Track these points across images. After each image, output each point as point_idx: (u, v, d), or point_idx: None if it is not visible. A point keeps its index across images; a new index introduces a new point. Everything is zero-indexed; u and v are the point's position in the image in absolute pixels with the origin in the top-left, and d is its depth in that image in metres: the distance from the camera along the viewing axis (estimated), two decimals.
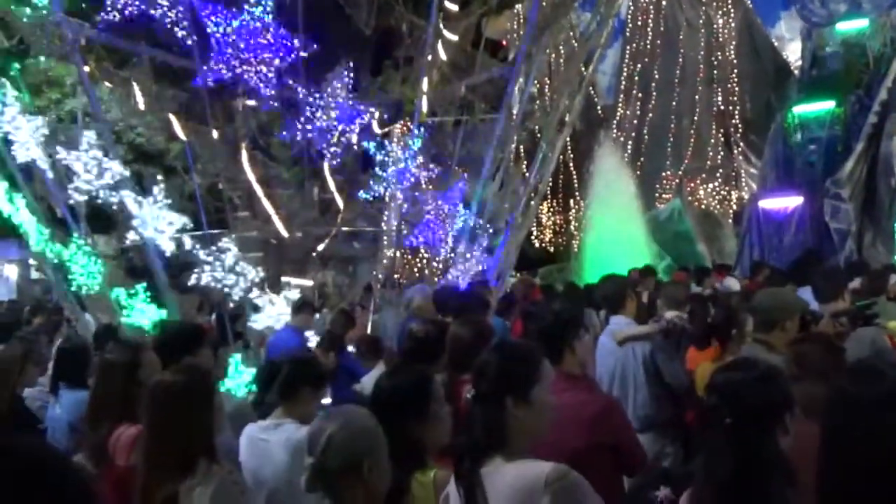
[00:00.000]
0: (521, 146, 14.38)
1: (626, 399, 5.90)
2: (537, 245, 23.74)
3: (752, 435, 2.69)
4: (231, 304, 8.97)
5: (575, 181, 24.07)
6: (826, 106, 18.68)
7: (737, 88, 23.43)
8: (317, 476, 2.59)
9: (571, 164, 23.79)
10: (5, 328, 8.81)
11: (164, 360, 3.85)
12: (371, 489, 2.61)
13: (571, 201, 24.89)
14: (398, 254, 10.13)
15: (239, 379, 7.97)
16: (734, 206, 23.12)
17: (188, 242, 8.72)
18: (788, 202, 18.40)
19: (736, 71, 23.55)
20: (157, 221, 8.41)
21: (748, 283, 10.49)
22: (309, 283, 10.23)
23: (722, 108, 23.64)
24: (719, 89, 23.49)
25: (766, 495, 2.58)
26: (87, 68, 8.41)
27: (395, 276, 10.22)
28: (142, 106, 9.26)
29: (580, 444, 3.59)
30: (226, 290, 8.73)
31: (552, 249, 25.01)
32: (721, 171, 23.51)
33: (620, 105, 24.67)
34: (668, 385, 6.03)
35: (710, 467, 2.80)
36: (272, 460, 3.98)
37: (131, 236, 8.66)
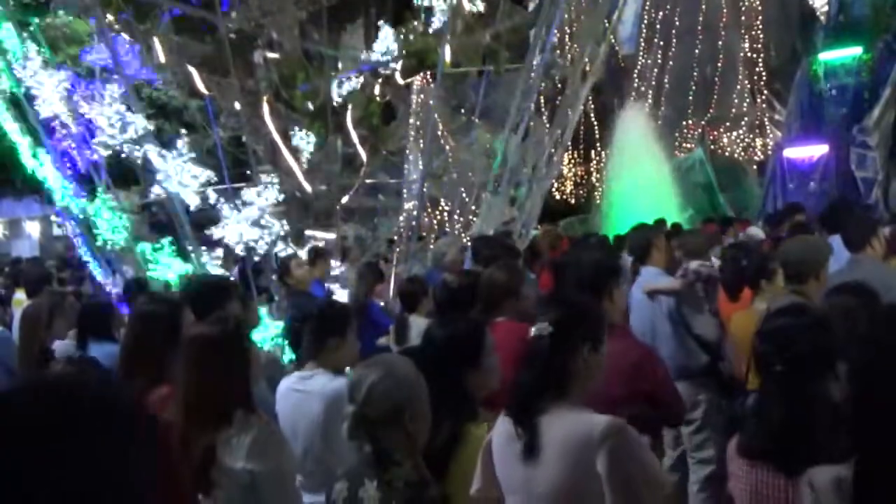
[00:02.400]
0: (543, 97, 14.21)
1: (657, 351, 5.87)
2: (558, 197, 23.57)
3: (803, 382, 2.66)
4: (255, 258, 8.98)
5: (596, 132, 23.81)
6: (853, 52, 18.32)
7: (761, 35, 22.96)
8: (358, 424, 2.58)
9: (592, 115, 23.51)
10: (33, 283, 8.84)
11: (195, 313, 3.83)
12: (411, 437, 2.60)
13: (593, 152, 24.68)
14: (419, 206, 10.06)
15: (265, 332, 7.99)
16: (758, 155, 22.83)
17: (212, 196, 8.72)
18: (814, 151, 18.17)
19: (760, 17, 23.07)
20: (181, 175, 8.39)
21: (776, 232, 10.37)
22: (332, 236, 10.20)
23: (746, 55, 23.20)
24: (746, 36, 23.02)
25: (817, 443, 2.55)
26: (107, 21, 8.31)
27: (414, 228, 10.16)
28: (162, 59, 9.17)
29: (619, 393, 3.56)
30: (250, 243, 8.74)
31: (573, 201, 24.87)
32: (745, 119, 23.17)
33: (642, 54, 24.28)
34: (697, 336, 6.00)
35: (760, 414, 2.77)
36: (307, 411, 3.98)
37: (155, 191, 8.67)
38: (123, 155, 8.45)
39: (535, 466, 2.65)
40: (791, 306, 3.30)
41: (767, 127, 23.14)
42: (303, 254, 8.73)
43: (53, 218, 25.65)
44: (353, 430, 2.61)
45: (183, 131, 8.87)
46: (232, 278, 9.13)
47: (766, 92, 23.14)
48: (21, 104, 8.45)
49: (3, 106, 8.46)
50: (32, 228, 37.36)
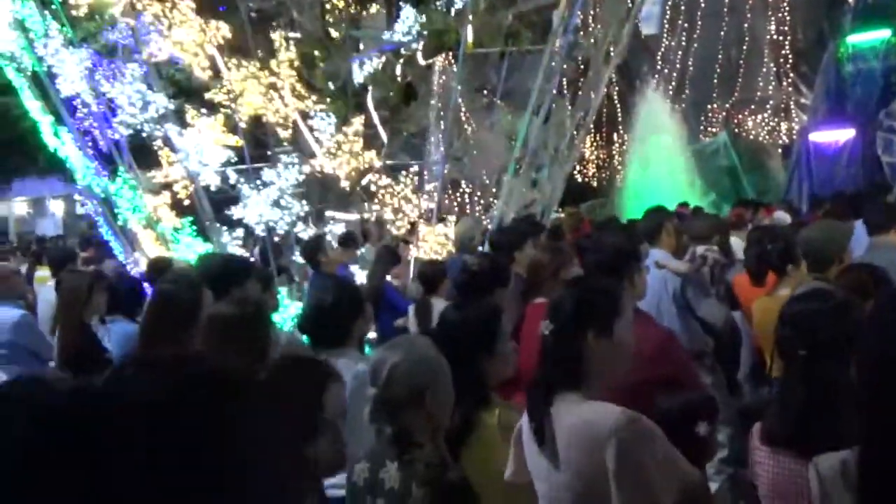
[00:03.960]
0: (566, 78, 14.08)
1: None
2: (580, 179, 23.45)
3: (827, 367, 2.62)
4: (275, 239, 9.00)
5: (619, 114, 23.64)
6: (881, 35, 18.03)
7: (788, 17, 22.64)
8: (380, 406, 2.57)
9: (615, 97, 23.32)
10: (58, 261, 8.90)
11: (215, 293, 3.82)
12: (434, 419, 2.59)
13: (615, 135, 24.52)
14: (440, 188, 10.03)
15: (285, 313, 8.00)
16: (783, 139, 22.58)
17: (233, 176, 8.73)
18: (840, 135, 17.94)
19: None
20: (201, 155, 8.40)
21: (810, 217, 10.26)
22: (352, 217, 10.19)
23: (772, 37, 22.89)
24: (772, 18, 22.70)
25: (840, 428, 2.51)
26: None
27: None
28: (183, 38, 9.14)
29: (640, 378, 3.52)
30: (270, 223, 8.75)
31: (595, 184, 24.74)
32: (770, 102, 22.91)
33: (665, 35, 24.03)
34: (701, 319, 5.98)
35: (783, 399, 2.73)
36: None
37: (176, 170, 8.69)
38: (144, 134, 8.47)
39: (551, 458, 2.62)
40: (813, 291, 3.25)
41: (793, 110, 22.87)
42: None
43: (76, 197, 25.81)
44: (375, 412, 2.61)
45: (203, 111, 8.85)
46: (252, 259, 9.18)
47: (792, 75, 22.84)
48: (42, 82, 8.46)
49: (25, 84, 8.47)
50: (56, 207, 37.66)
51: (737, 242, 8.43)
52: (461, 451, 2.85)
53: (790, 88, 22.94)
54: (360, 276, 8.82)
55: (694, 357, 5.84)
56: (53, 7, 8.58)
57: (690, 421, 2.98)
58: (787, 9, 22.61)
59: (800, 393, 2.63)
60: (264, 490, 0.90)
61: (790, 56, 22.80)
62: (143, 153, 9.07)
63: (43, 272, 9.19)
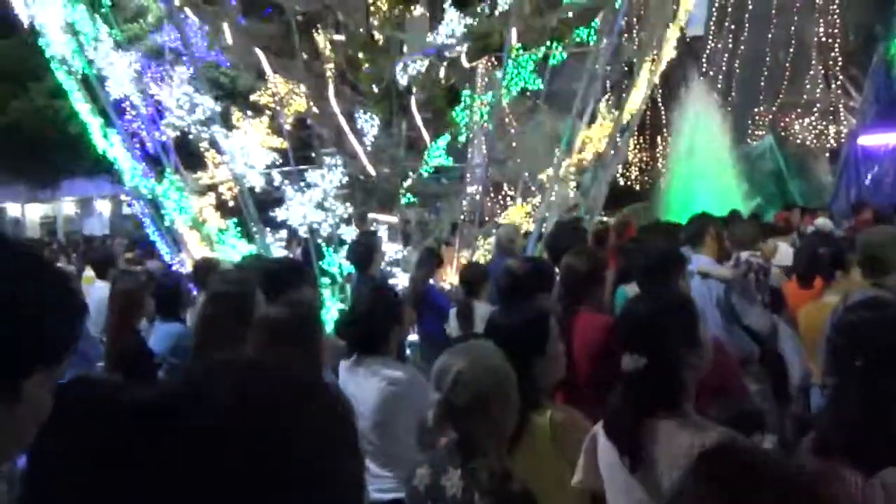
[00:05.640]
0: (609, 81, 13.99)
1: None
2: (622, 183, 23.28)
3: (884, 378, 2.55)
4: (319, 240, 9.04)
5: (663, 117, 23.43)
6: None
7: (837, 19, 22.27)
8: (444, 412, 2.54)
9: (659, 99, 23.12)
10: (99, 263, 9.03)
11: (267, 295, 3.83)
12: (498, 427, 2.57)
13: (658, 138, 24.30)
14: (482, 190, 10.01)
15: (327, 314, 8.03)
16: (831, 142, 22.21)
17: (277, 178, 8.80)
18: (890, 139, 17.62)
19: (837, 0, 22.38)
20: (247, 157, 8.47)
21: (857, 222, 10.08)
22: (395, 219, 10.21)
23: (820, 39, 22.53)
24: (821, 20, 22.35)
25: None
26: (176, 2, 8.40)
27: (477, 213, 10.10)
28: (230, 40, 9.24)
29: None
30: (314, 225, 8.80)
31: (638, 187, 24.55)
32: (818, 105, 22.55)
33: (712, 37, 23.77)
34: (746, 327, 5.89)
35: (837, 411, 2.67)
36: (367, 398, 3.97)
37: (221, 172, 8.77)
38: (191, 136, 8.57)
39: (643, 480, 2.61)
40: (870, 299, 3.18)
41: (841, 114, 22.49)
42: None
43: (123, 197, 26.21)
44: (439, 417, 2.58)
45: (249, 113, 8.93)
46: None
47: (840, 77, 22.46)
48: (92, 85, 8.60)
49: (76, 87, 8.61)
50: (103, 207, 38.32)
51: (783, 248, 8.31)
52: (513, 453, 2.84)
53: (839, 91, 22.56)
54: (403, 278, 8.83)
55: (740, 365, 5.77)
56: (103, 10, 8.71)
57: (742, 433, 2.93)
58: (836, 10, 22.24)
59: (855, 404, 2.56)
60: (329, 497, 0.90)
61: (839, 58, 22.43)
62: (189, 155, 9.18)
63: (90, 272, 9.32)
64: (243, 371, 0.93)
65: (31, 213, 39.30)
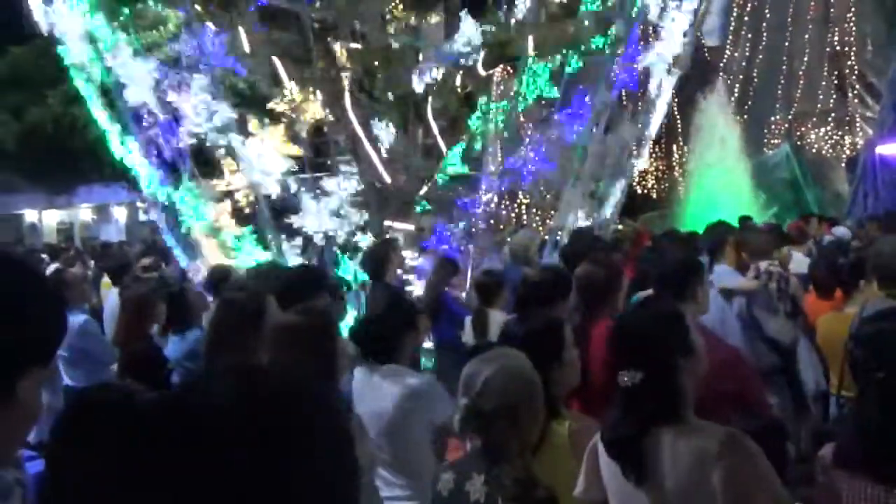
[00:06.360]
0: (624, 90, 13.95)
1: None
2: (639, 191, 23.21)
3: None
4: (334, 248, 9.05)
5: (679, 125, 23.35)
6: None
7: (854, 28, 22.16)
8: (470, 418, 2.54)
9: (675, 108, 23.04)
10: (115, 271, 9.07)
11: (284, 303, 3.83)
12: (524, 434, 2.56)
13: (675, 146, 24.23)
14: (496, 198, 10.00)
15: (340, 321, 8.02)
16: (847, 152, 22.08)
17: (293, 185, 8.81)
18: None
19: (853, 9, 22.27)
20: (263, 164, 8.49)
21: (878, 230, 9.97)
22: (411, 227, 10.21)
23: (837, 48, 22.43)
24: (836, 28, 22.25)
25: None
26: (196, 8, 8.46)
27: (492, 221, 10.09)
28: (247, 48, 9.28)
29: (704, 393, 3.46)
30: (329, 233, 8.81)
31: (654, 196, 24.46)
32: (833, 114, 22.43)
33: (728, 46, 23.71)
34: (769, 338, 5.84)
35: (859, 422, 2.64)
36: (383, 404, 3.96)
37: (238, 179, 8.80)
38: (208, 143, 8.60)
39: (650, 491, 2.61)
40: (891, 310, 3.15)
41: (858, 123, 22.36)
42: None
43: (139, 204, 26.36)
44: (465, 422, 2.58)
45: (266, 120, 8.96)
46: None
47: (857, 86, 22.35)
48: (110, 92, 8.64)
49: (94, 94, 8.66)
50: (119, 213, 38.52)
51: (797, 256, 8.24)
52: (533, 460, 2.83)
53: (855, 100, 22.44)
54: (419, 285, 8.82)
55: (762, 376, 5.72)
56: (122, 18, 8.76)
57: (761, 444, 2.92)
58: (852, 19, 22.15)
59: (877, 416, 2.54)
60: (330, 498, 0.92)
61: (855, 67, 22.32)
62: (206, 162, 9.21)
63: (108, 278, 9.38)
64: (238, 376, 0.94)
65: (48, 219, 39.53)
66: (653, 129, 10.53)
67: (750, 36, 23.28)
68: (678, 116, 23.20)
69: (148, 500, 0.82)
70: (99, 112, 8.71)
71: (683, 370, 2.64)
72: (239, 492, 0.83)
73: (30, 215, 38.91)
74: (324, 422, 0.94)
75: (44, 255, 16.84)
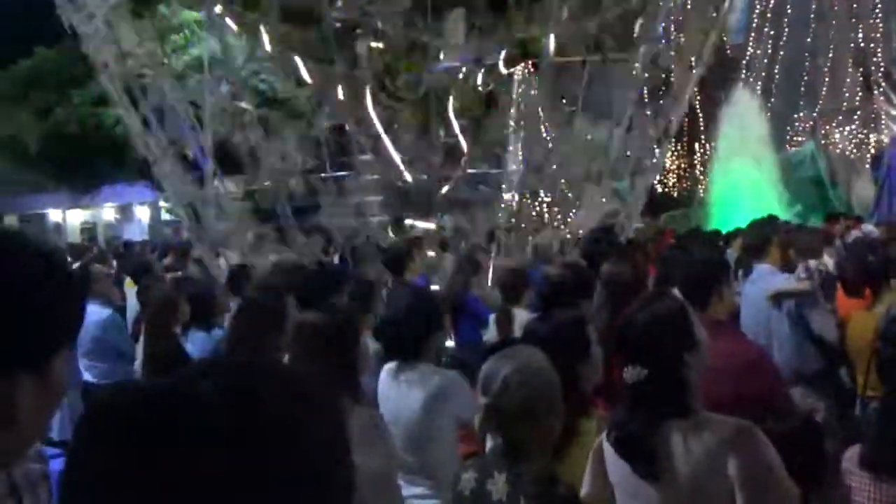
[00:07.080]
0: (646, 88, 13.91)
1: (772, 352, 5.64)
2: (660, 190, 23.07)
3: None
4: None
5: (701, 123, 23.20)
6: None
7: (880, 25, 21.91)
8: (490, 416, 2.53)
9: (697, 106, 22.90)
10: (135, 272, 9.12)
11: (304, 302, 3.84)
12: (545, 432, 2.55)
13: (697, 144, 24.08)
14: (517, 197, 9.99)
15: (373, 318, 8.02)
16: (872, 150, 21.85)
17: (315, 184, 8.84)
18: None
19: (879, 5, 22.02)
20: (285, 163, 8.53)
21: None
22: (431, 226, 10.22)
23: (861, 45, 22.19)
24: (860, 25, 22.01)
25: None
26: (217, 10, 8.50)
27: (515, 220, 10.08)
28: (268, 48, 9.31)
29: (727, 394, 3.43)
30: (349, 231, 8.84)
31: (676, 194, 24.32)
32: (859, 112, 22.20)
33: (751, 43, 23.52)
34: (816, 338, 5.76)
35: (887, 424, 2.61)
36: (408, 404, 3.96)
37: (259, 178, 8.84)
38: (230, 142, 8.64)
39: (663, 488, 2.59)
40: None
41: (883, 121, 22.11)
42: None
43: (162, 203, 26.54)
44: (485, 421, 2.57)
45: (288, 119, 9.00)
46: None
47: (883, 84, 22.10)
48: (133, 92, 8.69)
49: (119, 94, 8.71)
50: (142, 213, 38.79)
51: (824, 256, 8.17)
52: (563, 458, 2.82)
53: (881, 98, 22.20)
54: (440, 284, 8.80)
55: (809, 380, 5.65)
56: (144, 20, 8.82)
57: (792, 447, 2.89)
58: (879, 15, 21.90)
59: None
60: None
61: (881, 64, 22.07)
62: (228, 161, 9.26)
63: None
64: (228, 371, 0.94)
65: (71, 219, 39.89)
66: (674, 126, 10.47)
67: (773, 33, 23.06)
68: (700, 114, 23.06)
69: (134, 499, 0.82)
70: (124, 112, 8.77)
71: (688, 363, 2.61)
72: (208, 492, 0.82)
73: (54, 215, 39.29)
74: (314, 424, 0.92)
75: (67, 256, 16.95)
